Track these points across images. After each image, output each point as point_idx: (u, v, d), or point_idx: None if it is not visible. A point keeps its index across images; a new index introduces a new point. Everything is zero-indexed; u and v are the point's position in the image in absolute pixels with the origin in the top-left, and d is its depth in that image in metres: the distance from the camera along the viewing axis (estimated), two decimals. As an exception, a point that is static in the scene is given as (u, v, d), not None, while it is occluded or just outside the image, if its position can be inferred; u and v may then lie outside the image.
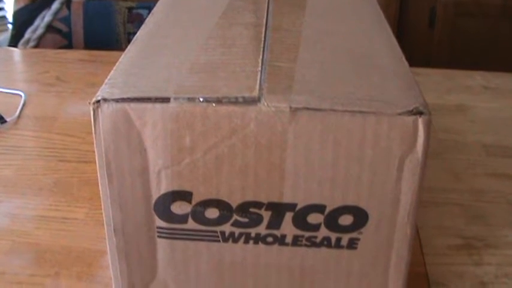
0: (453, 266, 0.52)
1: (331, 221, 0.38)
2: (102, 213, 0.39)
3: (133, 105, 0.35)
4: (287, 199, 0.37)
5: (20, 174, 0.64)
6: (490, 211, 0.59)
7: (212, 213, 0.38)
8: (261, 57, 0.40)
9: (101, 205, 0.39)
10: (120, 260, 0.41)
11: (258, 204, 0.38)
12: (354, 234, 0.38)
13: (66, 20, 1.28)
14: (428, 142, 0.35)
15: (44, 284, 0.49)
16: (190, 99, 0.35)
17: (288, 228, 0.38)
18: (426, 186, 0.60)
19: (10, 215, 0.57)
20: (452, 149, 0.69)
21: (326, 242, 0.39)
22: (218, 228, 0.39)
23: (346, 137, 0.35)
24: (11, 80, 0.87)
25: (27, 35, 1.26)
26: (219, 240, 0.39)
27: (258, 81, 0.36)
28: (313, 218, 0.38)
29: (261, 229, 0.39)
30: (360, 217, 0.38)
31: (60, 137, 0.71)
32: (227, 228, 0.39)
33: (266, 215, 0.38)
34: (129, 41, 0.44)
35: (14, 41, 1.28)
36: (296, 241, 0.39)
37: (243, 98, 0.35)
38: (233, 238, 0.39)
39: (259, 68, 0.38)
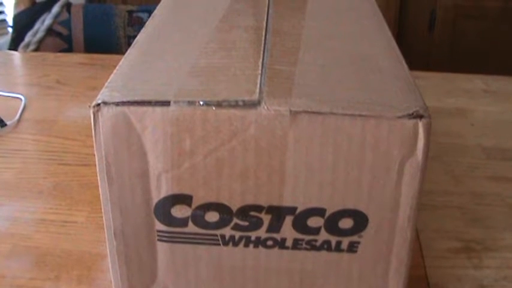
0: (453, 269, 0.51)
1: (331, 225, 0.38)
2: (102, 217, 0.39)
3: (133, 108, 0.35)
4: (287, 202, 0.37)
5: (20, 178, 0.64)
6: (490, 214, 0.59)
7: (212, 216, 0.38)
8: (261, 60, 0.40)
9: (101, 208, 0.39)
10: (120, 264, 0.41)
11: (258, 208, 0.38)
12: (354, 238, 0.38)
13: (66, 24, 1.28)
14: (428, 145, 0.35)
15: (44, 287, 0.49)
16: (191, 103, 0.35)
17: (288, 231, 0.38)
18: (426, 189, 0.60)
19: (10, 219, 0.57)
20: (452, 152, 0.69)
21: (326, 246, 0.39)
22: (218, 232, 0.39)
23: (346, 141, 0.35)
24: (11, 84, 0.87)
25: (27, 39, 1.26)
26: (219, 244, 0.39)
27: (258, 85, 0.36)
28: (313, 222, 0.38)
29: (261, 233, 0.39)
30: (360, 221, 0.38)
31: (60, 141, 0.71)
32: (227, 231, 0.39)
33: (266, 218, 0.38)
34: (129, 45, 0.44)
35: (14, 45, 1.28)
36: (296, 245, 0.39)
37: (243, 101, 0.35)
38: (233, 242, 0.39)
39: (260, 72, 0.38)
